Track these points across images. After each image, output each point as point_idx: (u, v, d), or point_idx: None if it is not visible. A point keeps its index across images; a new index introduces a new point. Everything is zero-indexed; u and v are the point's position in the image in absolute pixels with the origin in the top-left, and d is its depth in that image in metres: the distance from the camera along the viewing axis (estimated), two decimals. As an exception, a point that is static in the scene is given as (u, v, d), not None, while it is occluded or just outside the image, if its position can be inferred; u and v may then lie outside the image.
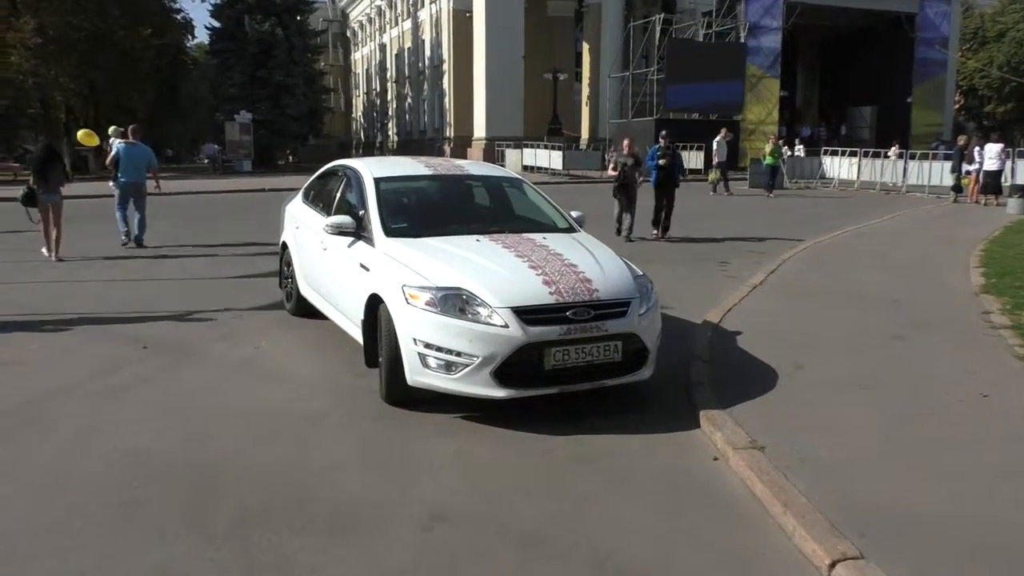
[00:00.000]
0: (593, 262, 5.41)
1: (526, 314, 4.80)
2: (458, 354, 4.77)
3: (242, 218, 17.20)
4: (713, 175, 22.94)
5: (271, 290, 8.68)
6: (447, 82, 48.68)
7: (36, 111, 41.71)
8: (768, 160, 22.93)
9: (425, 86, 53.79)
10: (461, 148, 44.09)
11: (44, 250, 11.38)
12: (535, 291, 4.93)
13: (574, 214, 6.67)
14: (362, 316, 5.53)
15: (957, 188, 21.12)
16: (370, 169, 6.45)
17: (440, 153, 48.04)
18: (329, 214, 6.61)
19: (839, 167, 28.56)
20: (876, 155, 27.20)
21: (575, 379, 4.94)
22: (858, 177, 27.30)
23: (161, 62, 47.48)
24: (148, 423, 4.94)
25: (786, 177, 26.55)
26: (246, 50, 42.60)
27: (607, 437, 4.80)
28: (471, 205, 6.70)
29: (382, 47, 63.66)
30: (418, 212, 6.32)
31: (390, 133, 63.00)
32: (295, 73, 44.34)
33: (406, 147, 55.38)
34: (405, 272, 5.17)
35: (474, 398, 4.89)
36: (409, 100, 57.95)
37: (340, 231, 5.90)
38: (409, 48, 56.64)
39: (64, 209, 11.57)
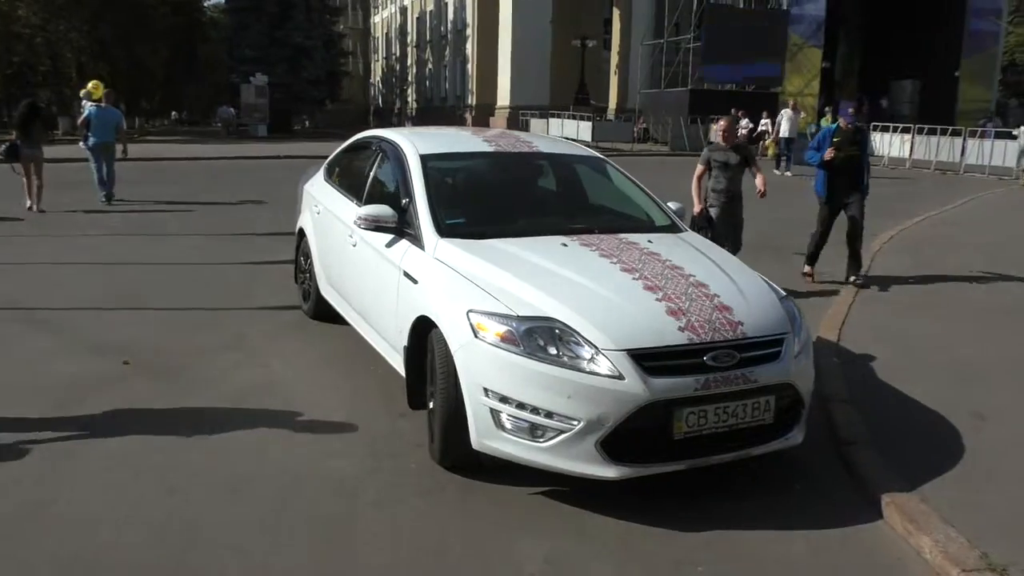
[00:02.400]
0: (726, 279, 3.95)
1: (648, 359, 3.36)
2: (549, 414, 3.34)
3: (256, 189, 15.72)
4: (773, 150, 21.22)
5: (286, 283, 7.26)
6: (470, 47, 46.87)
7: (47, 68, 40.31)
8: (822, 136, 21.17)
9: (447, 51, 51.96)
10: (483, 117, 42.45)
11: (27, 203, 11.76)
12: (659, 325, 3.48)
13: (672, 206, 5.19)
14: (405, 342, 4.11)
15: (1032, 170, 19.41)
16: (414, 143, 4.96)
17: (461, 122, 46.50)
18: (360, 200, 5.18)
19: (889, 144, 26.73)
20: (931, 132, 25.34)
21: (711, 449, 3.50)
22: (910, 155, 25.50)
23: (176, 20, 45.85)
24: (110, 497, 3.54)
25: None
26: (264, 9, 40.80)
27: (756, 535, 3.37)
28: (547, 194, 5.21)
29: (403, 10, 61.72)
30: (480, 203, 4.81)
31: (409, 100, 61.25)
32: (314, 35, 42.56)
33: (425, 114, 53.71)
34: (470, 291, 3.73)
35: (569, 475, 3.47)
36: (430, 66, 56.12)
37: (377, 226, 4.44)
38: (431, 11, 54.70)
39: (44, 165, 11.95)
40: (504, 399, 3.41)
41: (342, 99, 53.47)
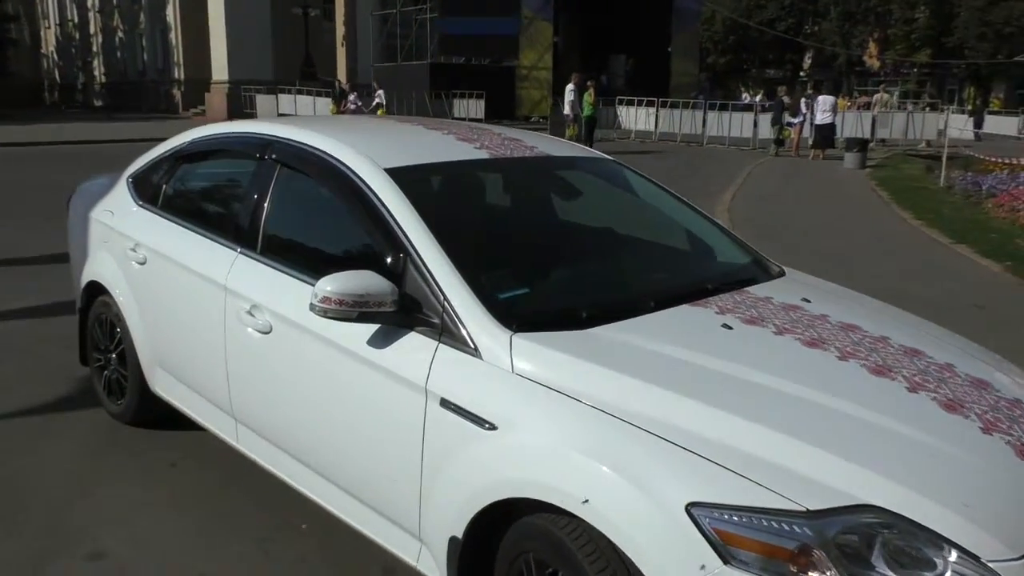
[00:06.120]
0: (984, 366, 2.49)
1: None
2: None
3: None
4: (571, 131, 20.28)
5: (54, 357, 4.68)
6: (171, 13, 41.39)
7: None
8: (588, 111, 20.82)
9: (142, 17, 45.57)
10: (196, 93, 37.77)
11: None
12: (1029, 487, 1.93)
13: (718, 225, 3.61)
14: (457, 532, 2.16)
15: (779, 141, 20.62)
16: (359, 149, 2.82)
17: (168, 99, 41.24)
18: (252, 247, 2.96)
19: (635, 117, 27.44)
20: (674, 105, 26.35)
21: None
22: (656, 128, 26.31)
23: None
24: None
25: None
26: None
27: None
28: (594, 229, 3.33)
29: (78, -31, 53.28)
30: (524, 254, 2.82)
31: (96, 73, 53.25)
32: (-35, -5, 34.86)
33: (118, 90, 47.12)
34: (668, 456, 1.86)
35: None
36: (120, 34, 49.04)
37: (363, 312, 2.34)
38: (116, -29, 47.70)
39: None
40: None
41: (8, 72, 45.02)
